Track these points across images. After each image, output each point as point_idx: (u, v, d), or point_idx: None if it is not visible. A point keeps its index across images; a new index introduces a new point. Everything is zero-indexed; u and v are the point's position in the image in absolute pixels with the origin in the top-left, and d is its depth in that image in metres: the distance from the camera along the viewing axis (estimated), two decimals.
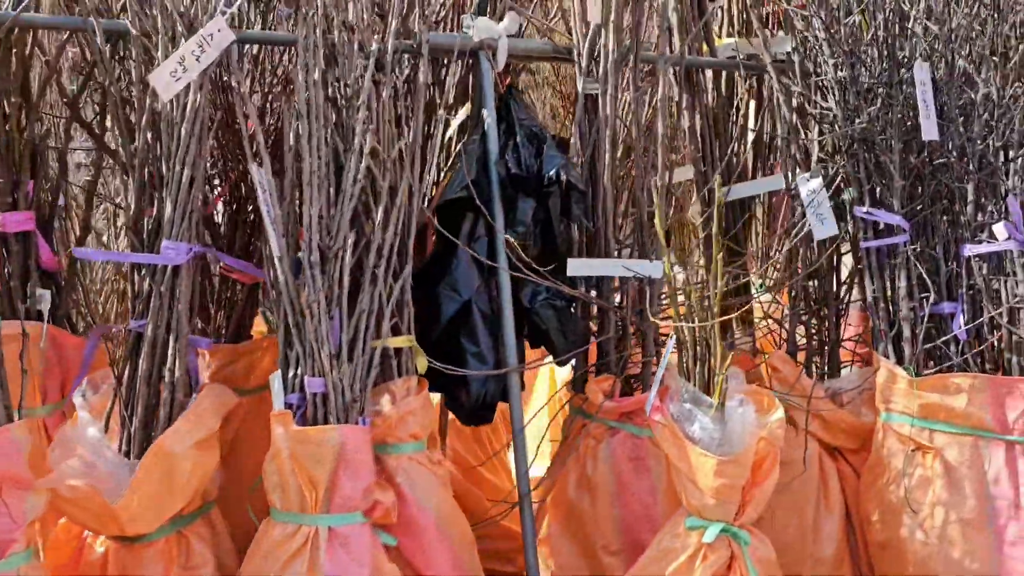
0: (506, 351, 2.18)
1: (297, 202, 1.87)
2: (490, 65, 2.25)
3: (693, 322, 1.90)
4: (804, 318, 2.53)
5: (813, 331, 2.54)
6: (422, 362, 2.07)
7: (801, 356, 2.50)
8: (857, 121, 2.30)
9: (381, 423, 1.96)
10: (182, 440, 1.72)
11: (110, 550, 1.78)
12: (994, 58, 2.23)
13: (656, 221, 2.01)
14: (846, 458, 2.46)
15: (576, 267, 2.22)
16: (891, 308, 2.32)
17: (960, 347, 2.28)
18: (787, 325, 2.51)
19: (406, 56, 2.12)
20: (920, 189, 2.35)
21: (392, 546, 1.86)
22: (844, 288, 2.55)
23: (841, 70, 2.34)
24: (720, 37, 2.70)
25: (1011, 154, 2.23)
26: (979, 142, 2.25)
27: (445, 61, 2.29)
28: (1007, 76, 2.23)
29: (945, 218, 2.34)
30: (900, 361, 2.29)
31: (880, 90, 2.30)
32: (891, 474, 2.24)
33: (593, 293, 2.33)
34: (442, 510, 1.98)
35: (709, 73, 2.63)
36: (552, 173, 2.19)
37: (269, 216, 1.81)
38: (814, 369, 2.52)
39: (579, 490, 2.28)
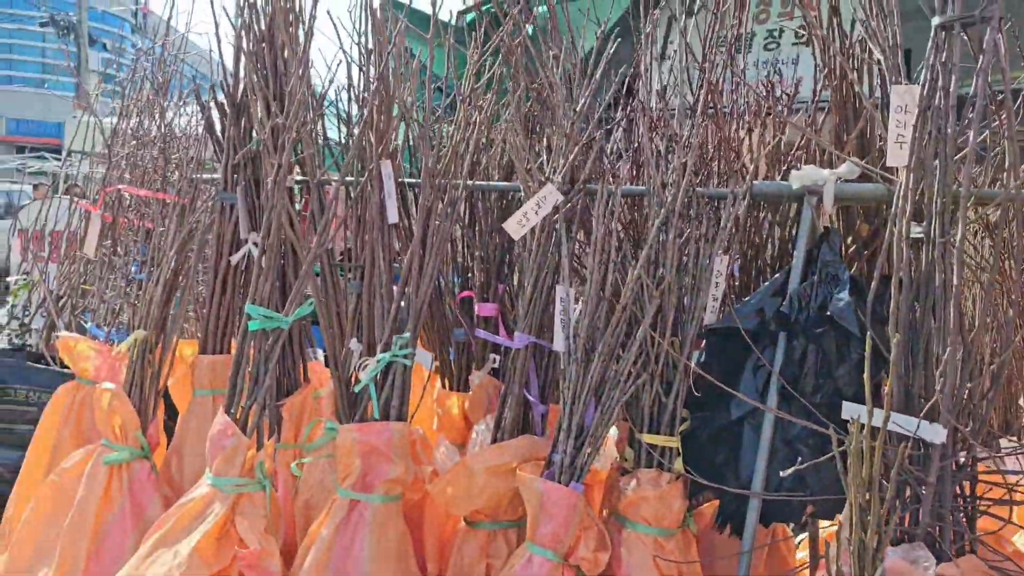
0: (754, 477, 2.32)
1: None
2: (811, 209, 2.40)
3: None
4: None
5: None
6: (677, 464, 2.42)
7: None
8: None
9: (623, 499, 2.43)
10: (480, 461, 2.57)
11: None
12: None
13: (865, 374, 1.93)
14: None
15: (849, 410, 2.17)
16: None
17: None
18: None
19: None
20: None
21: None
22: None
23: None
24: None
25: None
26: None
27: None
28: None
29: None
30: None
31: None
32: None
33: None
34: None
35: None
36: (825, 314, 2.22)
37: (563, 321, 2.51)
38: None
39: None
